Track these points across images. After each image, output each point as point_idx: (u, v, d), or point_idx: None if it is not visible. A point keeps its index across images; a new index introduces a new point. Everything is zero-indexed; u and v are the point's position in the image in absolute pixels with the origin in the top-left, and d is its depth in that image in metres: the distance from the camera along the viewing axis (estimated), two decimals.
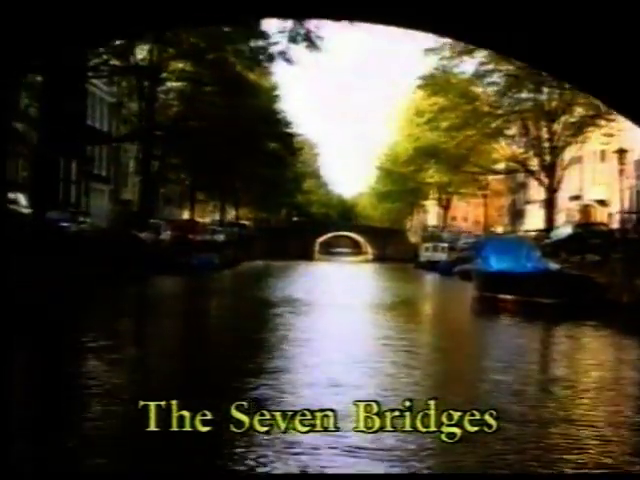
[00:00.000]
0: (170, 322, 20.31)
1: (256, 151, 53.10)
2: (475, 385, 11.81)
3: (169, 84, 49.24)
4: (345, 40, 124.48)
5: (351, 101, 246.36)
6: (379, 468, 7.28)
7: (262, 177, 64.32)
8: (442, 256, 55.50)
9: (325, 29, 38.88)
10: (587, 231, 36.35)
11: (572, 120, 42.91)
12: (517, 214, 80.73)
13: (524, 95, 42.70)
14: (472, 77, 41.25)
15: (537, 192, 72.46)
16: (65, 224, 31.56)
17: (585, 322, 20.03)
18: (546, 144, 44.83)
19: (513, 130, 48.42)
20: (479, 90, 44.83)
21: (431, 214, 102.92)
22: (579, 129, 43.01)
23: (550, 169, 45.15)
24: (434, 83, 43.89)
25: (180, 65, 45.78)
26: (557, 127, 44.00)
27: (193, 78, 44.69)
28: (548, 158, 44.91)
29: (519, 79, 37.02)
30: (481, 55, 38.22)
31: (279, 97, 68.36)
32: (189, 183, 60.28)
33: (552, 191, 45.33)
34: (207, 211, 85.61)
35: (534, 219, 70.40)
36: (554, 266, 25.45)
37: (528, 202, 76.50)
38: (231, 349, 15.31)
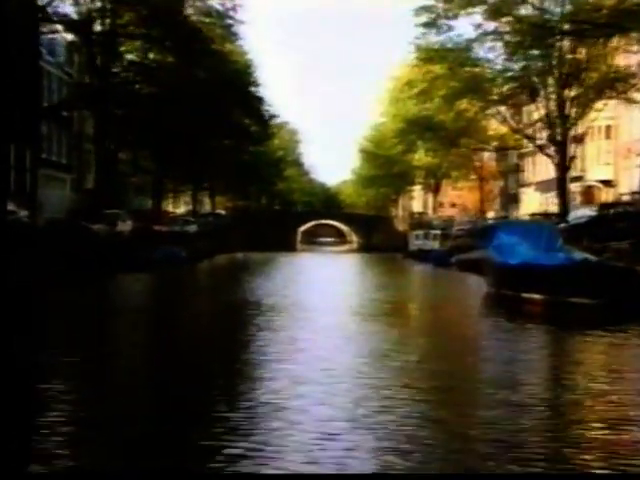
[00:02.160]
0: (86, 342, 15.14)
1: (225, 124, 47.33)
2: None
3: (128, 56, 43.82)
4: (325, 15, 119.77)
5: (333, 83, 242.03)
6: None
7: (237, 159, 59.18)
8: (434, 244, 51.93)
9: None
10: (613, 213, 31.26)
11: (587, 85, 37.52)
12: (510, 198, 76.38)
13: (533, 53, 37.16)
14: (471, 38, 35.85)
15: (532, 174, 68.04)
16: None
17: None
18: (556, 114, 39.60)
19: (517, 99, 43.12)
20: (480, 53, 39.38)
21: (417, 200, 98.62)
22: (598, 94, 37.73)
23: (561, 144, 39.92)
24: (428, 48, 38.41)
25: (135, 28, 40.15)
26: (570, 93, 38.67)
27: (148, 36, 38.89)
28: (559, 131, 39.62)
29: (525, 36, 31.67)
30: (479, 10, 32.97)
31: (252, 69, 62.64)
32: (154, 168, 54.37)
33: (564, 169, 40.15)
34: (184, 201, 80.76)
35: (530, 203, 66.08)
36: (591, 257, 20.24)
37: (522, 185, 72.29)
38: (162, 386, 10.21)
